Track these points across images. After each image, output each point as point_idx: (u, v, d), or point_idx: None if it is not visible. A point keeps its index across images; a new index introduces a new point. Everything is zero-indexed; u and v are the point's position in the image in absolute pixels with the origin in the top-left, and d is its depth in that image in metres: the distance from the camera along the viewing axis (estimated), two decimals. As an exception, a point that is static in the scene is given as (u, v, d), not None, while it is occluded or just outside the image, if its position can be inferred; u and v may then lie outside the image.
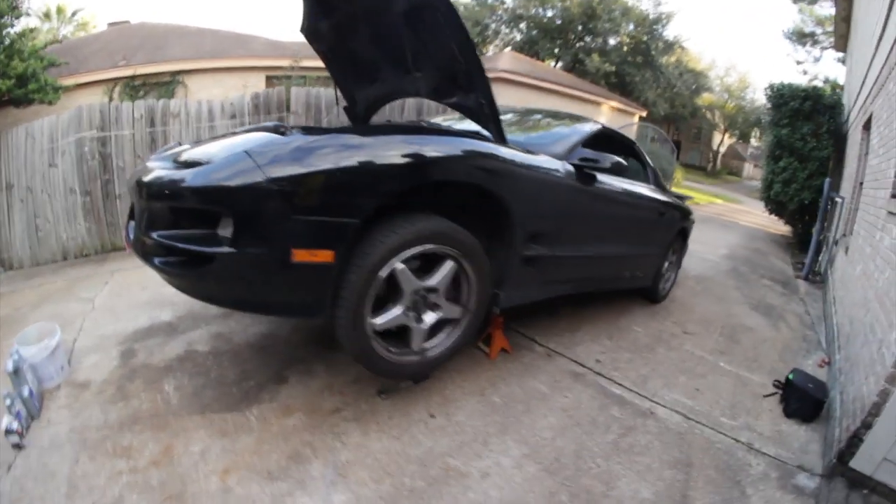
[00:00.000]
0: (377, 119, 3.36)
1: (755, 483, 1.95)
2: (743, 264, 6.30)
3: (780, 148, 7.98)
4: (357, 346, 1.80)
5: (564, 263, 2.59)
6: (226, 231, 1.53)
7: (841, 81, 11.25)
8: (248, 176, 1.48)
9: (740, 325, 3.83)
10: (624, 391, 2.48)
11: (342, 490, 1.63)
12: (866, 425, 1.94)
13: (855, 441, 1.96)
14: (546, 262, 2.39)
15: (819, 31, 17.67)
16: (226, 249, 1.50)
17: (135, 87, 8.88)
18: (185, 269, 1.59)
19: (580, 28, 22.20)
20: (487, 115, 2.12)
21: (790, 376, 2.64)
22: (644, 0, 22.80)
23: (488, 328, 2.58)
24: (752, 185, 22.85)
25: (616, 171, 2.50)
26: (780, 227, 9.71)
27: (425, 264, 1.92)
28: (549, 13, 22.59)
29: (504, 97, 5.41)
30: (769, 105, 8.40)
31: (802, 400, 2.51)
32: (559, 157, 2.40)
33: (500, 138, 2.16)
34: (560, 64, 22.43)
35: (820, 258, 6.07)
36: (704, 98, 30.24)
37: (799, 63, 25.01)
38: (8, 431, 1.73)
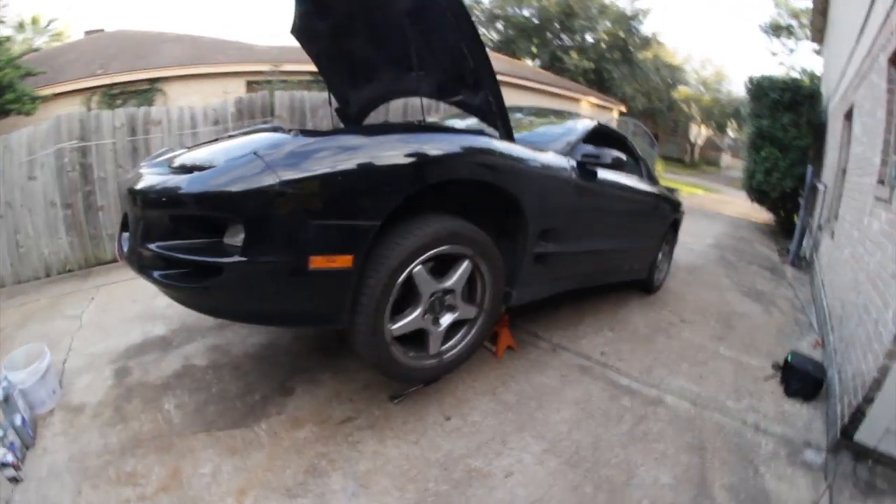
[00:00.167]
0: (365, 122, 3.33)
1: (767, 461, 2.01)
2: (730, 252, 6.45)
3: (762, 138, 8.17)
4: (376, 353, 1.75)
5: (572, 259, 2.61)
6: (234, 239, 1.45)
7: (818, 72, 11.57)
8: (259, 179, 1.39)
9: (734, 312, 3.92)
10: (631, 381, 2.52)
11: (365, 501, 1.59)
12: (868, 400, 2.00)
13: (857, 416, 2.03)
14: (555, 258, 2.40)
15: (794, 23, 18.12)
16: (236, 259, 1.41)
17: (113, 95, 8.69)
18: (189, 282, 1.48)
19: (558, 26, 22.42)
20: (495, 112, 2.11)
21: (789, 358, 2.72)
22: (620, -3, 23.15)
23: (494, 326, 2.58)
24: (731, 176, 23.33)
25: (616, 166, 2.53)
26: (763, 215, 9.94)
27: (438, 265, 1.88)
28: (526, 13, 22.77)
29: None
30: (749, 97, 8.60)
31: (803, 380, 2.58)
32: (563, 154, 2.42)
33: (509, 136, 2.16)
34: (538, 62, 22.62)
35: (804, 243, 6.24)
36: (681, 91, 30.78)
37: (774, 55, 25.72)
38: (2, 465, 1.60)
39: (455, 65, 2.10)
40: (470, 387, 2.27)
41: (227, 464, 1.71)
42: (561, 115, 3.32)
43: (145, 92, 8.97)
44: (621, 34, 22.37)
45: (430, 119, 3.73)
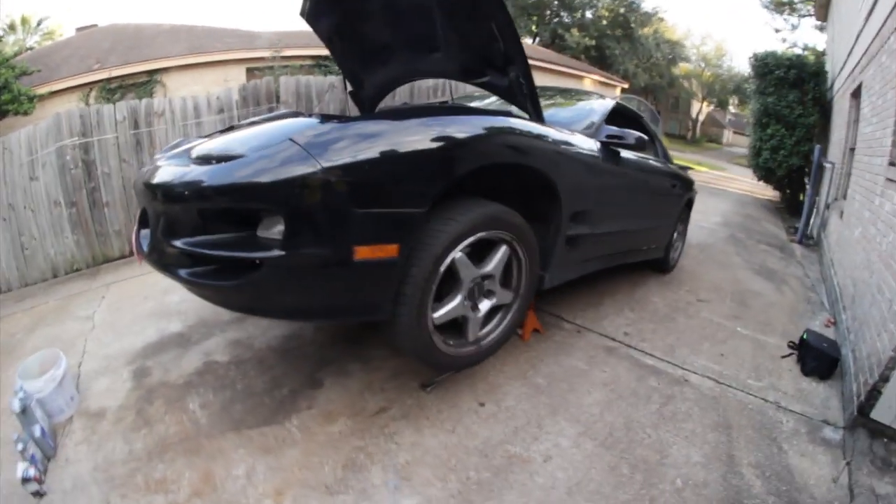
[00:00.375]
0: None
1: (789, 439, 2.08)
2: (739, 230, 6.49)
3: (767, 116, 8.15)
4: (419, 343, 1.71)
5: (600, 240, 2.63)
6: (269, 232, 1.38)
7: (820, 48, 11.44)
8: (298, 166, 1.30)
9: (748, 290, 3.98)
10: (656, 361, 2.58)
11: (409, 494, 1.55)
12: (884, 378, 2.06)
13: (874, 394, 2.09)
14: (585, 240, 2.41)
15: (797, -1, 17.78)
16: (276, 253, 1.32)
17: (111, 89, 8.61)
18: (223, 279, 1.40)
19: (557, 3, 22.02)
20: (525, 94, 2.07)
21: (805, 337, 2.79)
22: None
23: (528, 310, 2.57)
24: (734, 152, 23.21)
25: (639, 147, 2.54)
26: (767, 192, 9.96)
27: (475, 251, 1.83)
28: (525, -11, 22.33)
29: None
30: (754, 74, 8.53)
31: (819, 359, 2.65)
32: (588, 135, 2.41)
33: (539, 118, 2.14)
34: (538, 40, 22.26)
35: (811, 222, 6.28)
36: (682, 68, 30.39)
37: (777, 31, 25.31)
38: (25, 479, 1.50)
39: (483, 45, 2.03)
40: (501, 371, 2.28)
41: (261, 463, 1.64)
42: (578, 94, 3.31)
43: (144, 84, 8.90)
44: (622, 10, 21.97)
45: (441, 100, 3.69)
